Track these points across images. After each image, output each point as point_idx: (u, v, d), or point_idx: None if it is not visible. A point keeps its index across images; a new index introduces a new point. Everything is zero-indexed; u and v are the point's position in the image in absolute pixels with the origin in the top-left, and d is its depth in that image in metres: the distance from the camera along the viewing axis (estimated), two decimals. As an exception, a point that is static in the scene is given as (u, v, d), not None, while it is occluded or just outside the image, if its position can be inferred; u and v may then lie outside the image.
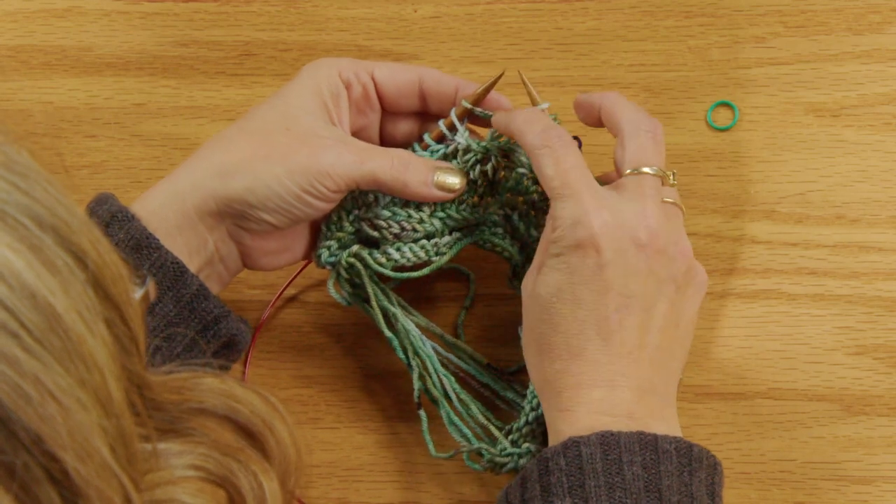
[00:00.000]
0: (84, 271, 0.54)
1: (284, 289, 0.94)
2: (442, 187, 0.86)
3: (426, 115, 0.90)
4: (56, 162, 0.57)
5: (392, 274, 0.87)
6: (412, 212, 0.87)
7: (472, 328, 0.93)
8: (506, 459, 0.85)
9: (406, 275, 0.87)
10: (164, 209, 0.83)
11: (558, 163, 0.81)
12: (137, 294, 0.59)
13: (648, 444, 0.75)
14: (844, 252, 0.93)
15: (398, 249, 0.87)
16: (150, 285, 0.63)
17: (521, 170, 0.86)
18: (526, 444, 0.84)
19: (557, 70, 0.98)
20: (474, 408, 0.88)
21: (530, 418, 0.85)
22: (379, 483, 0.90)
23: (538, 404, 0.84)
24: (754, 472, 0.89)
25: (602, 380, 0.78)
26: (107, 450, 0.53)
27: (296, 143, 0.84)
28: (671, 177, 0.83)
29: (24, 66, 1.01)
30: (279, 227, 0.85)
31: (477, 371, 0.90)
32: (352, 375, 0.93)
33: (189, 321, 0.82)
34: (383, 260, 0.87)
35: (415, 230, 0.87)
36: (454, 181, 0.86)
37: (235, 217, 0.84)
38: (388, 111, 0.89)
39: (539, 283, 0.80)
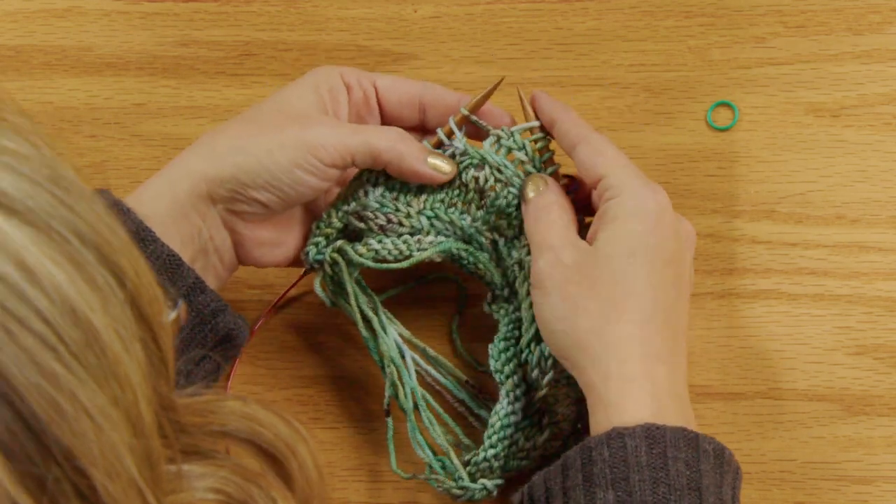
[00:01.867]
0: (123, 290, 0.54)
1: (281, 297, 0.94)
2: (435, 167, 0.86)
3: (425, 131, 0.89)
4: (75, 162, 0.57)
5: (371, 264, 0.86)
6: (400, 206, 0.86)
7: (462, 332, 0.93)
8: (460, 492, 0.85)
9: (385, 265, 0.86)
10: (157, 198, 0.83)
11: (613, 146, 0.84)
12: (170, 316, 0.59)
13: (691, 441, 0.75)
14: (844, 252, 0.93)
15: (380, 241, 0.86)
16: (182, 309, 0.63)
17: (512, 189, 0.86)
18: (482, 481, 0.84)
19: (557, 70, 0.98)
20: (438, 429, 0.87)
21: (489, 455, 0.85)
22: (379, 483, 0.90)
23: (497, 441, 0.84)
24: (754, 472, 0.89)
25: (665, 357, 0.78)
26: (135, 469, 0.53)
27: (288, 121, 0.84)
28: None
29: (24, 66, 1.01)
30: (272, 210, 0.84)
31: (455, 387, 0.90)
32: (352, 375, 0.93)
33: (186, 314, 0.82)
34: (364, 250, 0.86)
35: (401, 224, 0.86)
36: (446, 166, 0.86)
37: (227, 200, 0.83)
38: (387, 123, 0.89)
39: (610, 244, 0.80)
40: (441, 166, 0.86)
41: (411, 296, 0.93)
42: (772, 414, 0.90)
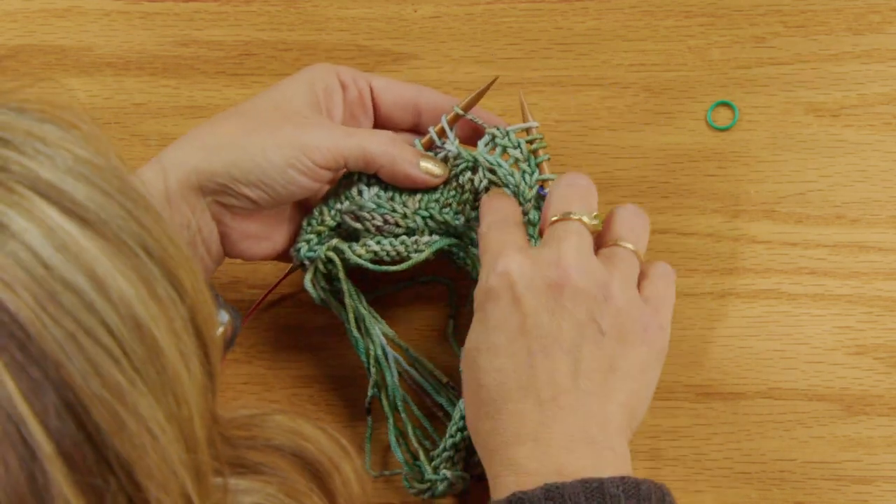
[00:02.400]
0: (184, 306, 0.54)
1: (270, 291, 0.94)
2: (427, 170, 0.86)
3: (418, 134, 0.89)
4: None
5: (370, 266, 0.86)
6: (397, 206, 0.87)
7: (455, 332, 0.93)
8: (425, 486, 0.85)
9: (384, 268, 0.86)
10: (148, 186, 0.83)
11: (501, 235, 0.81)
12: (219, 332, 0.60)
13: (594, 491, 0.72)
14: (844, 252, 0.93)
15: (378, 242, 0.87)
16: (228, 323, 0.63)
17: (506, 189, 0.86)
18: (444, 471, 0.85)
19: (557, 70, 0.98)
20: (411, 431, 0.87)
21: (448, 445, 0.85)
22: (379, 483, 0.90)
23: (456, 431, 0.85)
24: (754, 472, 0.89)
25: (526, 434, 0.76)
26: (189, 483, 0.53)
27: (282, 120, 0.84)
28: (599, 220, 0.81)
29: (24, 66, 1.00)
30: (261, 206, 0.84)
31: (434, 389, 0.90)
32: (352, 375, 0.93)
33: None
34: (362, 251, 0.86)
35: (397, 225, 0.87)
36: (437, 169, 0.86)
37: (217, 193, 0.83)
38: (381, 123, 0.89)
39: (468, 340, 0.80)
40: (433, 170, 0.86)
41: (401, 295, 0.93)
42: (772, 414, 0.90)
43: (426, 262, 0.88)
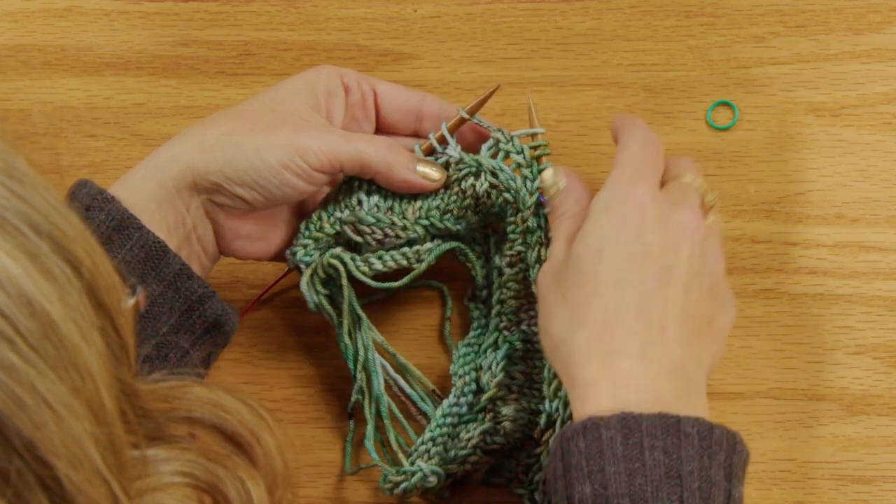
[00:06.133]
0: (79, 280, 0.54)
1: (266, 291, 0.94)
2: (424, 175, 0.86)
3: (419, 140, 0.89)
4: (53, 162, 0.57)
5: (372, 283, 0.86)
6: (396, 219, 0.86)
7: (452, 332, 0.93)
8: (400, 478, 0.86)
9: (385, 284, 0.87)
10: (143, 182, 0.83)
11: (643, 149, 0.82)
12: (129, 303, 0.59)
13: (671, 427, 0.74)
14: (844, 252, 0.93)
15: (380, 258, 0.86)
16: (141, 295, 0.62)
17: (507, 195, 0.86)
18: (419, 463, 0.85)
19: (557, 70, 0.98)
20: (393, 438, 0.88)
21: (425, 437, 0.86)
22: (379, 483, 0.90)
23: (436, 426, 0.85)
24: (754, 472, 0.89)
25: (633, 351, 0.76)
26: (98, 457, 0.53)
27: (279, 121, 0.84)
28: (713, 200, 0.83)
29: (23, 66, 1.01)
30: (254, 207, 0.84)
31: (420, 396, 0.90)
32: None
33: (174, 301, 0.82)
34: (365, 269, 0.86)
35: (398, 237, 0.87)
36: (435, 173, 0.86)
37: (210, 192, 0.83)
38: (383, 128, 0.89)
39: (578, 245, 0.79)
40: (430, 174, 0.86)
41: (393, 298, 0.93)
42: (772, 414, 0.90)
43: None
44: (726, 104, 0.96)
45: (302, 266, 0.87)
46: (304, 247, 0.87)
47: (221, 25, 1.01)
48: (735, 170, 0.95)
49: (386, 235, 0.86)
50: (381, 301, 0.92)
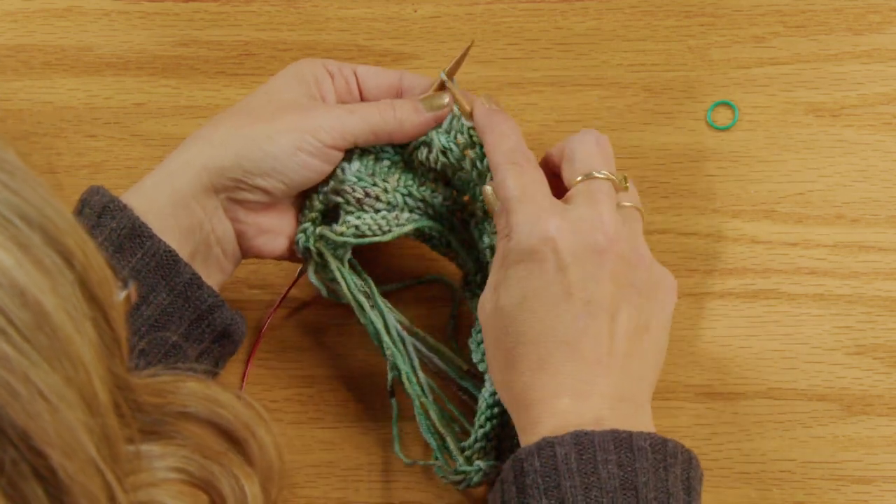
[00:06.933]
0: (71, 271, 0.54)
1: (284, 297, 0.94)
2: (432, 107, 0.86)
3: None
4: (52, 161, 0.57)
5: (353, 241, 0.86)
6: (378, 180, 0.87)
7: (458, 330, 0.93)
8: (459, 477, 0.85)
9: (368, 240, 0.86)
10: (156, 189, 0.83)
11: (521, 176, 0.81)
12: (120, 296, 0.59)
13: (623, 441, 0.75)
14: (844, 252, 0.93)
15: (359, 217, 0.87)
16: (133, 288, 0.62)
17: (460, 173, 0.86)
18: (477, 462, 0.85)
19: (557, 70, 0.98)
20: (434, 416, 0.87)
21: (479, 435, 0.85)
22: (379, 483, 0.90)
23: (486, 420, 0.84)
24: (754, 472, 0.89)
25: (569, 389, 0.77)
26: (92, 447, 0.53)
27: (281, 110, 0.85)
28: (625, 180, 0.82)
29: (23, 66, 1.01)
30: (276, 197, 0.84)
31: (458, 375, 0.90)
32: (352, 374, 0.93)
33: (183, 310, 0.82)
34: (343, 228, 0.86)
35: (378, 199, 0.87)
36: (440, 100, 0.87)
37: (229, 189, 0.84)
38: None
39: (502, 296, 0.80)
40: (437, 102, 0.87)
41: (406, 295, 0.93)
42: (772, 414, 0.90)
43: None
44: (726, 104, 0.96)
45: (307, 255, 0.87)
46: (304, 231, 0.87)
47: (221, 25, 1.01)
48: (735, 170, 0.95)
49: (366, 195, 0.86)
50: (386, 297, 0.92)
